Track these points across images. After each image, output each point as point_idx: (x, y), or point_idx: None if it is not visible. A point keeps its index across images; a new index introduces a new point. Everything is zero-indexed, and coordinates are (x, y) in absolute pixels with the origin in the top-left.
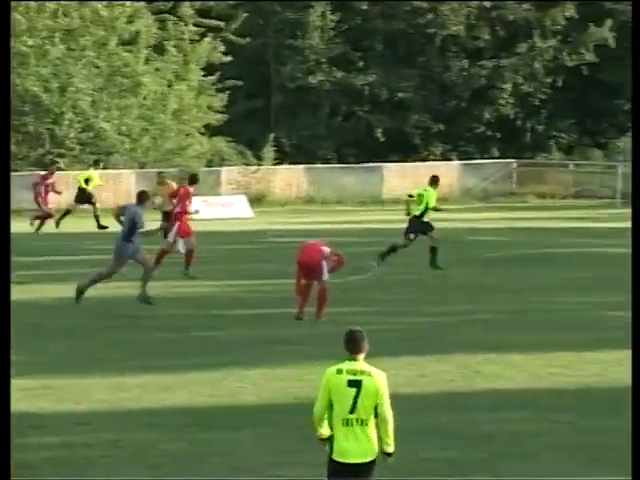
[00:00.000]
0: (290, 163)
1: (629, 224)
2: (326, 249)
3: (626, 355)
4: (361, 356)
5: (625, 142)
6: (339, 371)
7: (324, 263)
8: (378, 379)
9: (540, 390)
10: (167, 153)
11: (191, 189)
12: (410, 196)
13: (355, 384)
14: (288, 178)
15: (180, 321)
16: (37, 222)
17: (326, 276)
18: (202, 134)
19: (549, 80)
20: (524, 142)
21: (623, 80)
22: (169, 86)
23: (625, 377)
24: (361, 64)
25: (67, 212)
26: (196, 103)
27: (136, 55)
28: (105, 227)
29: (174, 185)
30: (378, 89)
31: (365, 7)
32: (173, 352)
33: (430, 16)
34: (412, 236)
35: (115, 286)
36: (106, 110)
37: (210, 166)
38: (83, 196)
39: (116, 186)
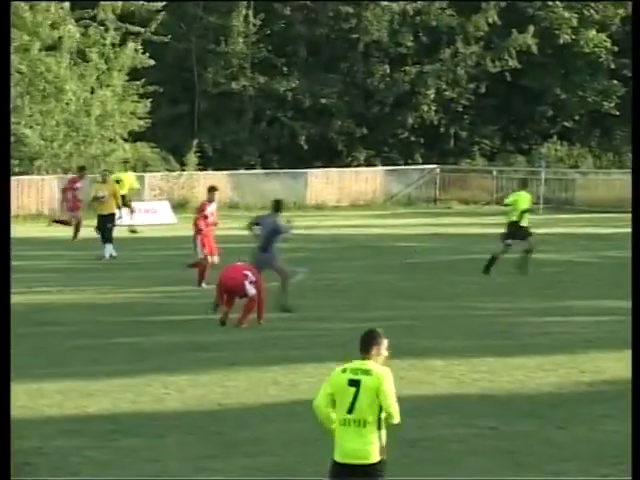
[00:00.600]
0: (214, 169)
1: (550, 230)
2: (249, 273)
3: (549, 361)
4: (372, 356)
5: (548, 148)
6: (343, 370)
7: (246, 283)
8: (379, 377)
9: (463, 396)
10: (91, 159)
11: (208, 201)
12: (506, 205)
13: (354, 384)
14: (212, 184)
15: (102, 327)
16: (58, 225)
17: (252, 291)
18: (125, 140)
19: (472, 86)
20: (447, 148)
21: (546, 86)
22: (92, 92)
23: (547, 383)
24: (284, 70)
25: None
26: (120, 109)
27: (59, 60)
28: (135, 231)
29: (115, 183)
30: (301, 95)
31: (288, 12)
32: (95, 359)
33: (353, 22)
34: (509, 242)
35: (37, 292)
36: (28, 116)
37: (134, 172)
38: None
39: (39, 192)
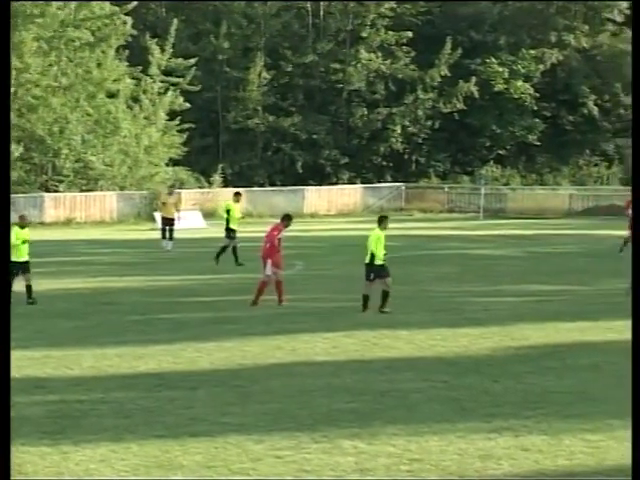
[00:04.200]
0: (233, 187)
1: (488, 232)
2: (275, 237)
3: (487, 330)
4: None
5: (486, 170)
6: None
7: (268, 261)
8: None
9: (423, 357)
10: (140, 179)
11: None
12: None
13: None
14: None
15: (149, 307)
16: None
17: (268, 271)
18: (167, 165)
19: (429, 123)
20: (410, 170)
21: (484, 123)
22: (142, 128)
23: (486, 347)
24: (287, 111)
25: (223, 249)
26: (162, 141)
27: (117, 105)
28: (241, 264)
29: (178, 196)
30: (299, 131)
31: (290, 68)
32: (143, 330)
33: (340, 75)
34: None
35: (99, 280)
36: (93, 147)
37: (174, 188)
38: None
39: (101, 204)
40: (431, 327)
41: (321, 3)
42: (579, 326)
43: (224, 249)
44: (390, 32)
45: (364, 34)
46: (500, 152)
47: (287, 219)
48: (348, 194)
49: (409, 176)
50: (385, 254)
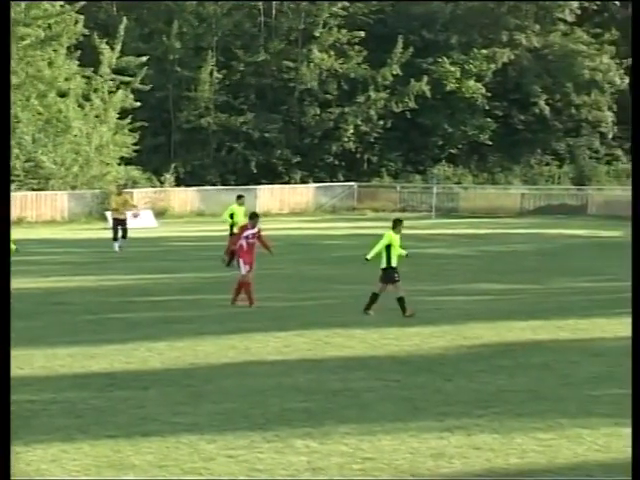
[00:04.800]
0: (186, 186)
1: (440, 231)
2: (241, 237)
3: (439, 329)
4: None
5: (438, 169)
6: None
7: (240, 260)
8: None
9: (376, 356)
10: (91, 178)
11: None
12: None
13: None
14: (184, 197)
15: (101, 306)
16: None
17: (242, 270)
18: (118, 164)
19: (381, 122)
20: (362, 169)
21: (436, 122)
22: (93, 127)
23: (438, 346)
24: (239, 110)
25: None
26: (113, 140)
27: (68, 104)
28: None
29: (128, 196)
30: (252, 130)
31: (242, 67)
32: (95, 330)
33: (292, 74)
34: None
35: (51, 280)
36: (44, 146)
37: (125, 188)
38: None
39: (53, 204)
40: (384, 326)
41: (273, 2)
42: (531, 325)
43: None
44: (342, 31)
45: (316, 33)
46: (452, 151)
47: (251, 218)
48: (300, 193)
49: (361, 175)
50: (405, 255)
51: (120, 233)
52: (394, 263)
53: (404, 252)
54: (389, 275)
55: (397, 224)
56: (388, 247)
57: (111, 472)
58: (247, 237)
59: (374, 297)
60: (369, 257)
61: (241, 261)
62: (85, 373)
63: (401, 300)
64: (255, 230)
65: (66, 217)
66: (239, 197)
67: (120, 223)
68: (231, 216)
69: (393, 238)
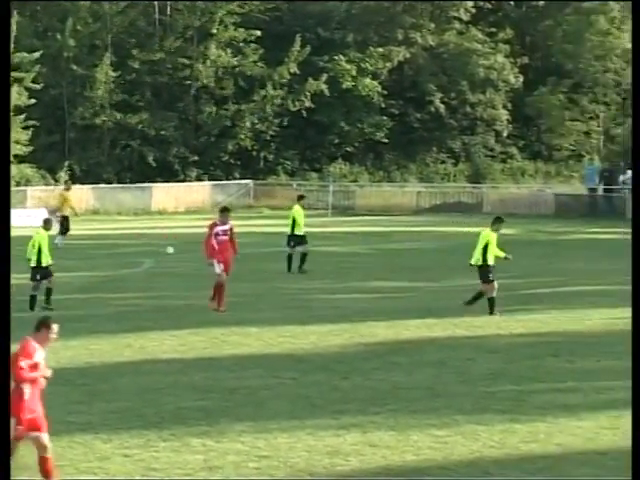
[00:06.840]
0: (81, 184)
1: (337, 229)
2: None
3: (336, 327)
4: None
5: (334, 167)
6: None
7: (214, 260)
8: None
9: (272, 354)
10: None
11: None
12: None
13: None
14: (79, 195)
15: None
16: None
17: (217, 270)
18: (11, 162)
19: (277, 121)
20: (259, 167)
21: (333, 120)
22: None
23: (334, 344)
24: (135, 108)
25: (303, 257)
26: None
27: None
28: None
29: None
30: (147, 127)
31: (137, 65)
32: None
33: (187, 71)
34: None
35: None
36: None
37: (18, 186)
38: None
39: None
40: (280, 324)
41: (168, 2)
42: (426, 322)
43: (304, 256)
44: (239, 29)
45: (213, 31)
46: (348, 149)
47: (221, 212)
48: (196, 191)
49: (258, 173)
50: (504, 258)
51: (60, 229)
52: (490, 261)
53: (502, 254)
54: (483, 273)
55: (496, 222)
56: (485, 245)
57: None
58: (217, 234)
59: (478, 295)
60: (473, 262)
61: (214, 261)
62: None
63: (491, 300)
64: (227, 227)
65: None
66: (300, 197)
67: (64, 219)
68: (293, 220)
69: (491, 237)
